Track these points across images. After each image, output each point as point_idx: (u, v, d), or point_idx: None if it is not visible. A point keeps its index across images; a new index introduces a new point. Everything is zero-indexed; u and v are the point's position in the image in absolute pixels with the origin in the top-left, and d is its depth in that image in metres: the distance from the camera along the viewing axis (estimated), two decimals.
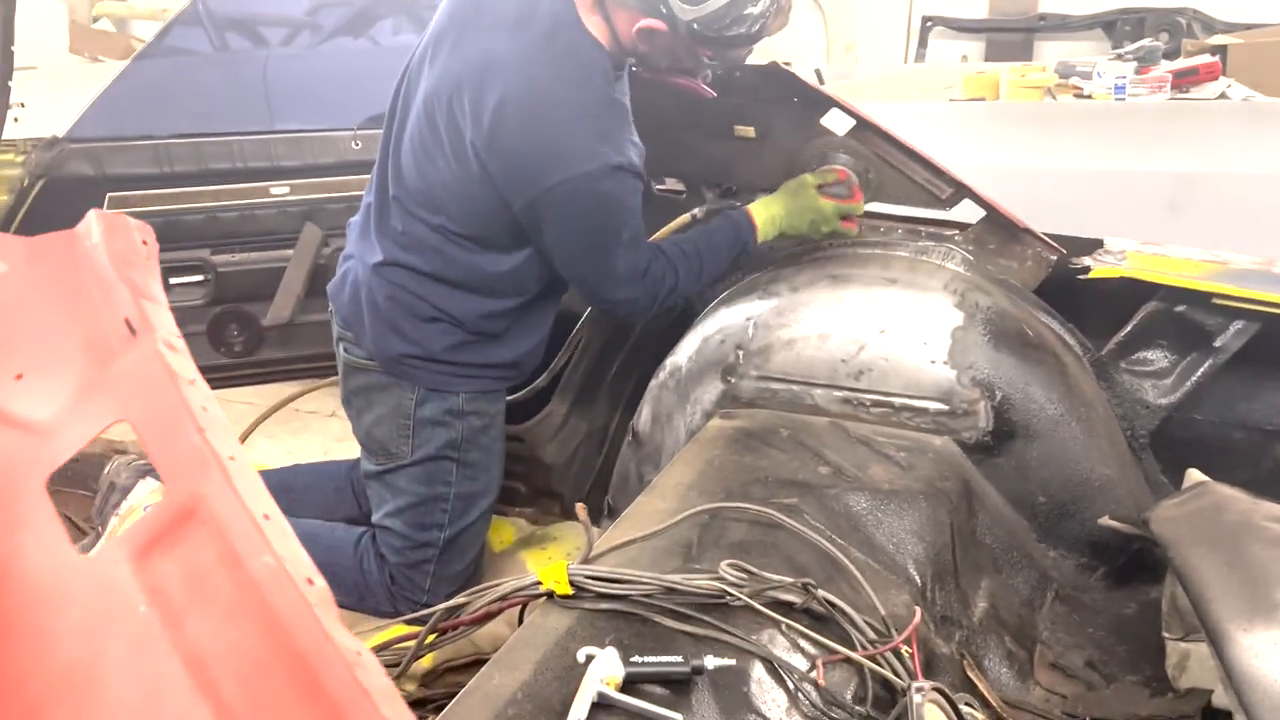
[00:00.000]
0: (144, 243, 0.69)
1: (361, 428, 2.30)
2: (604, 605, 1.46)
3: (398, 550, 2.30)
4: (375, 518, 2.34)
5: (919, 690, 1.30)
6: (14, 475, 0.65)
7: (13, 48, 2.96)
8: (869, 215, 2.36)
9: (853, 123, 2.24)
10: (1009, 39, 7.64)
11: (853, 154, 2.30)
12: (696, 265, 2.17)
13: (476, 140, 1.94)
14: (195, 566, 0.61)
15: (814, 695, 1.37)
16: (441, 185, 2.04)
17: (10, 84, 3.02)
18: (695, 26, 1.87)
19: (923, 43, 7.82)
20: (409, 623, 1.67)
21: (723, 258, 2.21)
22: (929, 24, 7.81)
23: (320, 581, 0.60)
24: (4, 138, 3.22)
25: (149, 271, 0.67)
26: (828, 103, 2.23)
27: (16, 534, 0.64)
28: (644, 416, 2.39)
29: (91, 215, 0.67)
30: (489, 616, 1.55)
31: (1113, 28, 7.27)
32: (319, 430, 3.91)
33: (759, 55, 2.19)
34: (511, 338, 2.22)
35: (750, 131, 2.32)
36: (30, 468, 0.65)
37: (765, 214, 2.23)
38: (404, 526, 2.29)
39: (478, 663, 2.10)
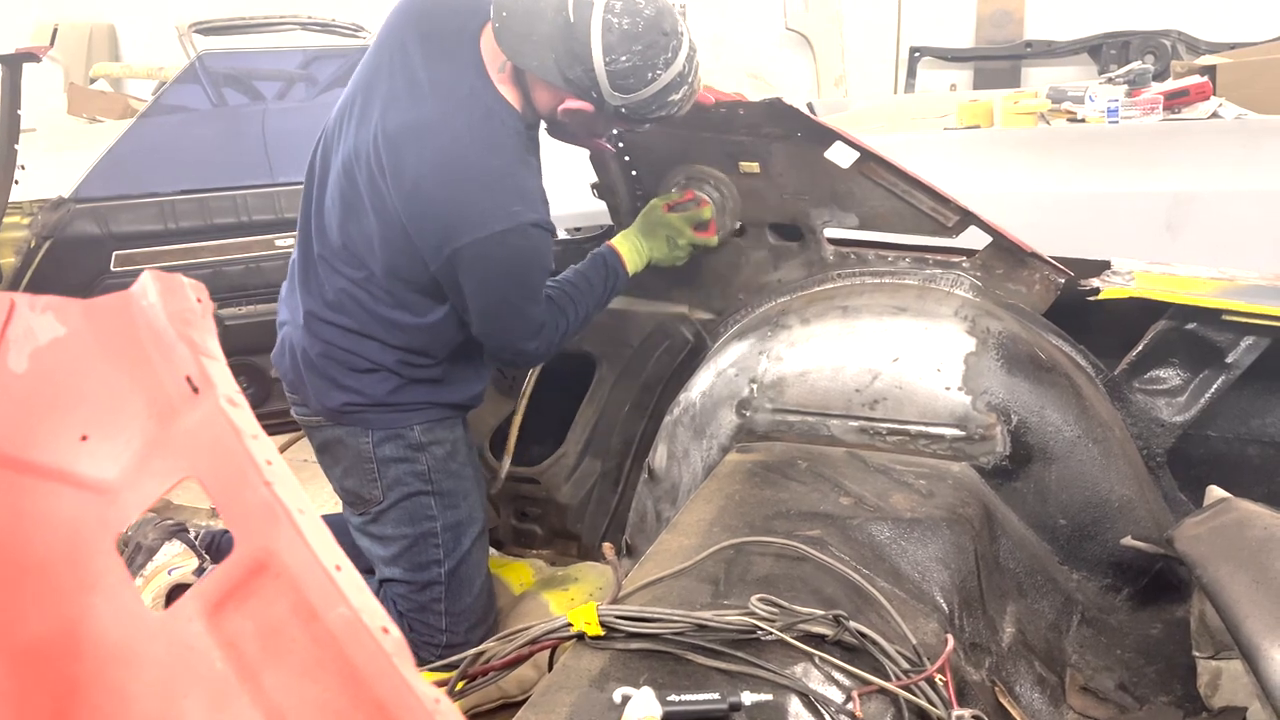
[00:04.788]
0: (199, 300, 0.70)
1: (335, 482, 2.35)
2: (635, 645, 1.46)
3: (405, 597, 2.32)
4: (377, 576, 2.36)
5: (958, 718, 1.29)
6: (84, 537, 0.66)
7: (19, 111, 3.00)
8: (876, 245, 2.38)
9: (856, 155, 2.26)
10: (996, 67, 7.73)
11: (708, 181, 2.39)
12: (582, 307, 2.25)
13: (397, 201, 2.00)
14: (269, 620, 0.61)
15: None
16: (364, 241, 2.09)
17: (17, 147, 3.06)
18: (623, 110, 1.98)
19: (911, 73, 7.91)
20: (440, 669, 1.67)
21: (599, 294, 2.30)
22: (917, 54, 7.90)
23: (395, 631, 0.60)
24: (9, 200, 3.24)
25: (206, 329, 0.68)
26: (831, 136, 2.25)
27: (88, 595, 0.65)
28: (659, 454, 2.39)
29: (146, 276, 0.68)
30: (520, 661, 1.54)
31: (1098, 52, 7.36)
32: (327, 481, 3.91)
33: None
34: (452, 381, 2.27)
35: (755, 167, 2.34)
36: (99, 528, 0.66)
37: (627, 244, 2.33)
38: (404, 572, 2.31)
39: (505, 707, 2.10)
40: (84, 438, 0.67)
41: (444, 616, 2.33)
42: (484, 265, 2.01)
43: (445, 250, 1.99)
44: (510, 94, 2.03)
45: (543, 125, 2.14)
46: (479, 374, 2.33)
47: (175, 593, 2.49)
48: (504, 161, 1.99)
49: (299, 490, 0.65)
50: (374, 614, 0.59)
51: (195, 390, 0.65)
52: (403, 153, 1.97)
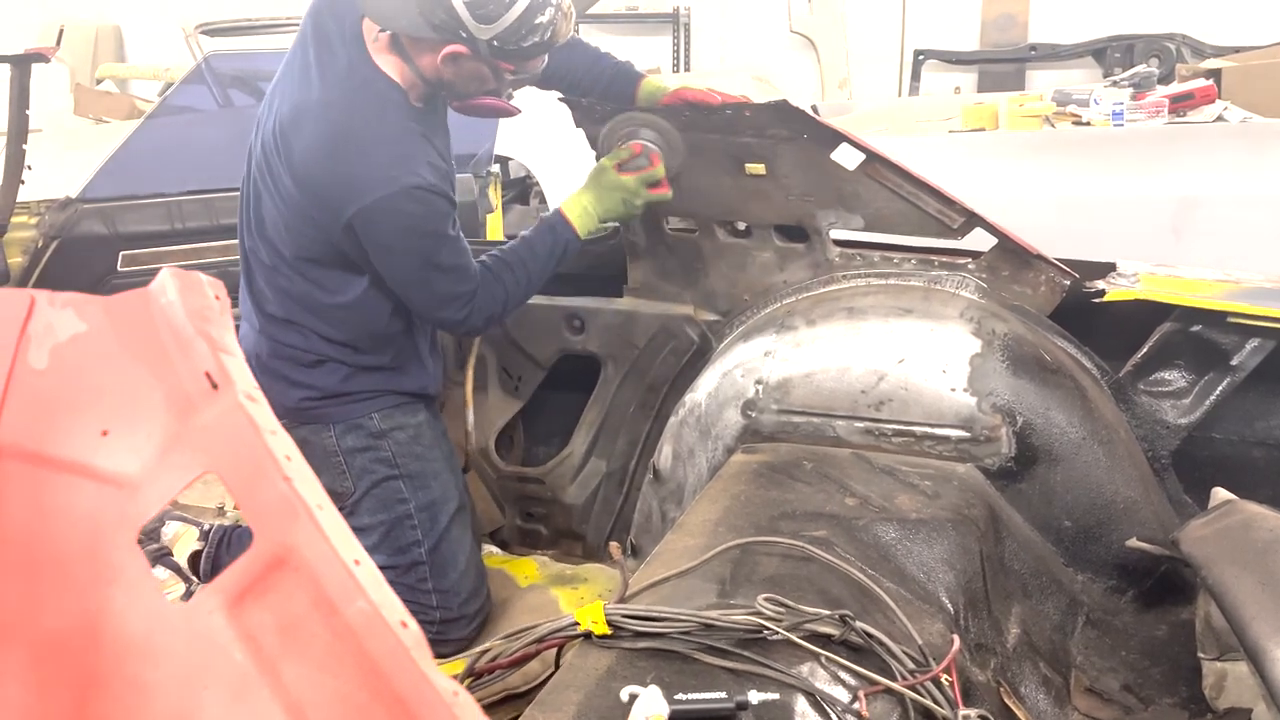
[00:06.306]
0: (217, 298, 0.71)
1: None
2: (642, 644, 1.46)
3: (392, 582, 2.33)
4: None
5: (964, 718, 1.30)
6: (105, 530, 0.67)
7: (28, 111, 3.01)
8: (882, 246, 2.38)
9: (862, 157, 2.27)
10: (1001, 70, 7.74)
11: (648, 126, 2.37)
12: (523, 275, 2.27)
13: (290, 183, 2.08)
14: (288, 614, 0.62)
15: None
16: (273, 225, 2.17)
17: (25, 148, 3.07)
18: (495, 43, 2.01)
19: (915, 76, 7.92)
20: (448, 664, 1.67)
21: (546, 262, 2.31)
22: (921, 57, 7.91)
23: (414, 625, 0.61)
24: (16, 200, 3.26)
25: (224, 326, 0.69)
26: (837, 138, 2.25)
27: (110, 588, 0.66)
28: (665, 454, 2.40)
29: (165, 273, 0.69)
30: (527, 659, 1.55)
31: (1103, 55, 7.37)
32: None
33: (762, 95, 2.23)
34: (402, 368, 2.32)
35: (761, 168, 2.35)
36: (120, 522, 0.67)
37: (577, 208, 2.32)
38: (387, 558, 2.34)
39: (509, 699, 2.10)
40: (104, 432, 0.68)
41: (433, 594, 2.38)
42: (376, 232, 2.07)
43: (340, 223, 2.06)
44: (391, 65, 2.10)
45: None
46: (428, 362, 2.38)
47: None
48: (381, 130, 2.06)
49: (317, 486, 0.66)
50: (393, 608, 0.60)
51: (214, 386, 0.66)
52: (291, 136, 2.06)
